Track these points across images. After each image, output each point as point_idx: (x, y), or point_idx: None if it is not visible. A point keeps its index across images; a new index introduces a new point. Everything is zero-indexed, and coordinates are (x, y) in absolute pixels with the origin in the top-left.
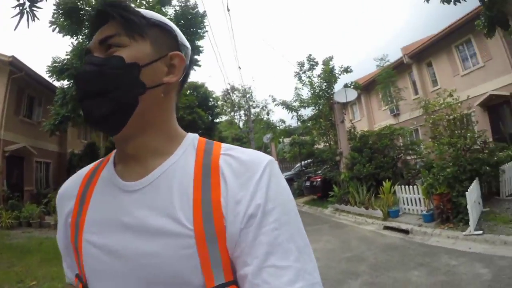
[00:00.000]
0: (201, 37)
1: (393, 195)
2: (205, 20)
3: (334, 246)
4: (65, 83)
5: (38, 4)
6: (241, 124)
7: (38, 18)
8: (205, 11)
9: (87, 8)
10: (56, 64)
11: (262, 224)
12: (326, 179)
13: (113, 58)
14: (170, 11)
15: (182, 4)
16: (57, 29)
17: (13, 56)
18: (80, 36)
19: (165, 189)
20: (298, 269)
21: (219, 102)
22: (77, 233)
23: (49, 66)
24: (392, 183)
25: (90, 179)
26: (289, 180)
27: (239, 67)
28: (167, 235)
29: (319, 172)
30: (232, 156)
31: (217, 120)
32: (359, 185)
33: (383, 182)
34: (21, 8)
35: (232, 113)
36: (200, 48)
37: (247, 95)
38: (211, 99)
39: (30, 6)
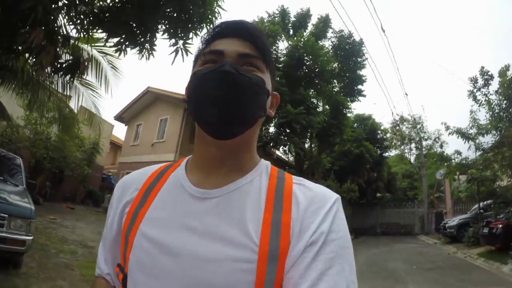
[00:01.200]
0: (362, 66)
1: None
2: (363, 48)
3: None
4: None
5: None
6: (412, 159)
7: (191, 53)
8: (361, 39)
9: None
10: None
11: (320, 251)
12: (510, 226)
13: (259, 78)
14: (327, 43)
15: (338, 35)
16: None
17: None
18: None
19: (238, 204)
20: None
21: (388, 135)
22: (133, 224)
23: None
24: None
25: (158, 178)
26: (464, 225)
27: (406, 94)
28: (233, 245)
29: (501, 216)
30: (305, 186)
31: (386, 154)
32: None
33: None
34: (175, 46)
35: (402, 147)
36: (363, 78)
37: (418, 126)
38: (379, 132)
39: (183, 44)
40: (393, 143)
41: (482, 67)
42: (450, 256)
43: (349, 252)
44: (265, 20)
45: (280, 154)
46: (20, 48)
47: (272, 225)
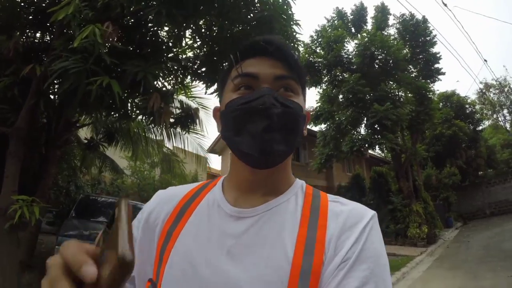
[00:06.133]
0: (433, 44)
1: None
2: (428, 25)
3: None
4: (322, 126)
5: None
6: (508, 126)
7: None
8: (424, 16)
9: (319, 60)
10: (311, 112)
11: (354, 268)
12: None
13: (298, 106)
14: (392, 31)
15: (400, 20)
16: None
17: None
18: (323, 85)
19: (275, 222)
20: None
21: (477, 107)
22: (167, 242)
23: None
24: None
25: (193, 198)
26: None
27: (485, 60)
28: (267, 263)
29: None
30: (341, 203)
31: (480, 128)
32: None
33: None
34: None
35: (494, 116)
36: (437, 55)
37: (505, 89)
38: (467, 106)
39: None
40: (484, 114)
41: None
42: None
43: (386, 270)
44: (327, 26)
45: (372, 153)
46: (137, 112)
47: (306, 242)
